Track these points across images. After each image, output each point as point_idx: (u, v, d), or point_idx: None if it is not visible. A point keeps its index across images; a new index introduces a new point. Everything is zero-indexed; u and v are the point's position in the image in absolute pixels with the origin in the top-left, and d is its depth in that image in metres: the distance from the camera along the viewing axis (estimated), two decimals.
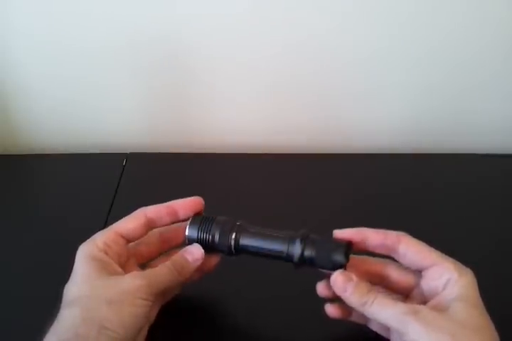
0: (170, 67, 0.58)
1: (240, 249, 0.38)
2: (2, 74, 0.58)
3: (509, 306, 0.42)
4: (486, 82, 0.60)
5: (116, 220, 0.38)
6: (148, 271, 0.36)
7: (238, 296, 0.43)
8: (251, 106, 0.63)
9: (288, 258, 0.36)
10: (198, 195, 0.40)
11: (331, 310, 0.37)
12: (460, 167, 0.61)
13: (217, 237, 0.38)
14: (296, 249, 0.36)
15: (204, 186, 0.56)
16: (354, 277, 0.34)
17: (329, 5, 0.54)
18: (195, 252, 0.38)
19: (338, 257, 0.35)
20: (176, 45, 0.56)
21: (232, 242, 0.38)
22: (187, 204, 0.39)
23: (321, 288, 0.37)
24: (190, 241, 0.39)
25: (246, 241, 0.38)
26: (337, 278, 0.34)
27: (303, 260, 0.36)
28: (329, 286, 0.36)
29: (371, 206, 0.54)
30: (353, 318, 0.38)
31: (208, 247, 0.38)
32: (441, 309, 0.32)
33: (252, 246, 0.37)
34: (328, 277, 0.36)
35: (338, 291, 0.34)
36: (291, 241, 0.36)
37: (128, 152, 0.61)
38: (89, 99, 0.61)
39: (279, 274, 0.40)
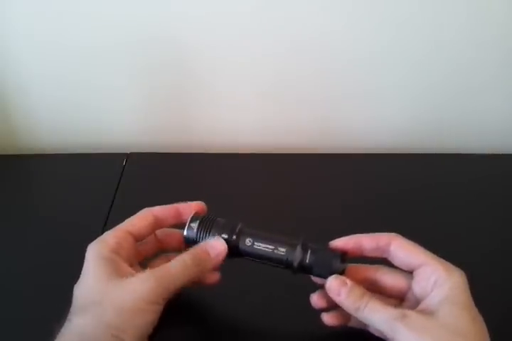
0: (170, 67, 0.58)
1: (238, 253, 0.37)
2: (2, 74, 0.58)
3: (509, 306, 0.42)
4: (486, 82, 0.60)
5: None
6: (161, 271, 0.33)
7: (238, 297, 0.43)
8: (251, 106, 0.63)
9: (287, 264, 0.36)
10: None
11: (328, 318, 0.37)
12: (460, 167, 0.61)
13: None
14: (297, 257, 0.36)
15: (204, 186, 0.56)
16: (348, 281, 0.34)
17: (329, 6, 0.54)
18: (217, 246, 0.36)
19: (337, 266, 0.36)
20: (177, 45, 0.56)
21: (232, 248, 0.37)
22: (191, 208, 0.38)
23: (315, 299, 0.37)
24: (187, 242, 0.38)
25: (246, 247, 0.37)
26: (332, 282, 0.35)
27: (302, 267, 0.36)
28: (323, 296, 0.37)
29: (371, 206, 0.54)
30: (352, 324, 0.38)
31: None
32: (431, 311, 0.32)
33: (252, 253, 0.37)
34: (321, 288, 0.37)
35: (333, 295, 0.34)
36: (291, 248, 0.36)
37: (128, 152, 0.61)
38: (89, 99, 0.61)
39: (279, 275, 0.40)
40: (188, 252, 0.35)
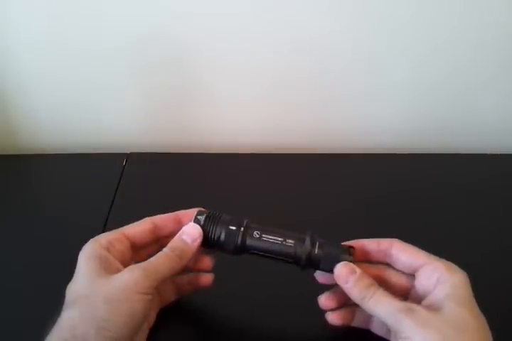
0: (170, 67, 0.58)
1: (246, 249, 0.37)
2: (2, 74, 0.58)
3: (509, 306, 0.42)
4: (486, 82, 0.60)
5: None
6: (145, 262, 0.34)
7: (238, 297, 0.43)
8: (251, 106, 0.63)
9: (296, 259, 0.36)
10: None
11: (332, 317, 0.38)
12: (460, 167, 0.61)
13: (223, 235, 0.37)
14: (305, 249, 0.36)
15: (204, 186, 0.56)
16: (358, 270, 0.35)
17: (330, 6, 0.54)
18: (192, 232, 0.37)
19: (345, 259, 0.36)
20: (176, 46, 0.56)
21: (239, 241, 0.37)
22: (191, 215, 0.38)
23: (323, 300, 0.38)
24: None
25: (253, 243, 0.37)
26: (341, 269, 0.35)
27: (310, 261, 0.36)
28: (332, 297, 0.37)
29: (371, 206, 0.54)
30: (355, 324, 0.38)
31: (212, 245, 0.37)
32: (435, 308, 0.32)
33: (260, 249, 0.37)
34: (328, 288, 0.37)
35: (341, 282, 0.35)
36: (299, 242, 0.36)
37: (128, 152, 0.61)
38: (89, 99, 0.61)
39: (279, 274, 0.40)
40: (167, 246, 0.36)
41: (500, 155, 0.62)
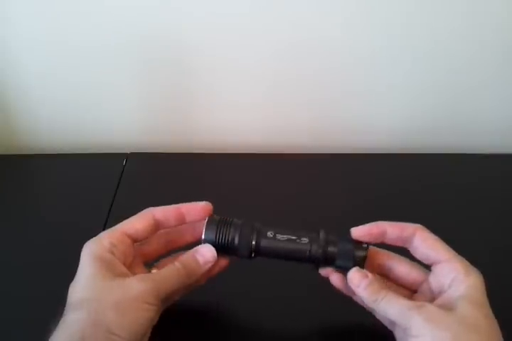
0: (170, 67, 0.58)
1: (260, 252, 0.37)
2: (2, 74, 0.58)
3: (509, 306, 0.42)
4: (486, 81, 0.60)
5: (116, 220, 0.38)
6: (156, 275, 0.35)
7: (241, 296, 0.43)
8: (251, 106, 0.63)
9: (310, 258, 0.37)
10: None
11: (332, 277, 0.38)
12: (460, 167, 0.61)
13: (236, 240, 0.37)
14: (320, 248, 0.36)
15: (204, 186, 0.56)
16: (370, 275, 0.35)
17: (329, 5, 0.54)
18: (206, 254, 0.37)
19: (359, 255, 0.36)
20: (177, 46, 0.56)
21: (253, 245, 0.37)
22: (195, 209, 0.38)
23: (335, 278, 0.38)
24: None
25: (267, 243, 0.37)
26: (354, 274, 0.36)
27: (325, 259, 0.36)
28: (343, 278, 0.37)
29: (371, 206, 0.54)
30: (357, 300, 0.38)
31: (225, 250, 0.37)
32: (448, 307, 0.32)
33: (274, 249, 0.37)
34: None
35: (353, 286, 0.35)
36: (313, 242, 0.36)
37: (128, 152, 0.61)
38: (89, 99, 0.61)
39: (282, 274, 0.40)
40: (179, 260, 0.36)
41: (500, 155, 0.62)
